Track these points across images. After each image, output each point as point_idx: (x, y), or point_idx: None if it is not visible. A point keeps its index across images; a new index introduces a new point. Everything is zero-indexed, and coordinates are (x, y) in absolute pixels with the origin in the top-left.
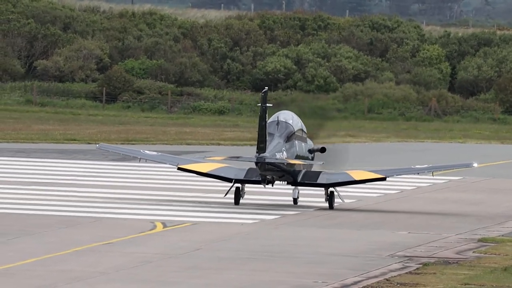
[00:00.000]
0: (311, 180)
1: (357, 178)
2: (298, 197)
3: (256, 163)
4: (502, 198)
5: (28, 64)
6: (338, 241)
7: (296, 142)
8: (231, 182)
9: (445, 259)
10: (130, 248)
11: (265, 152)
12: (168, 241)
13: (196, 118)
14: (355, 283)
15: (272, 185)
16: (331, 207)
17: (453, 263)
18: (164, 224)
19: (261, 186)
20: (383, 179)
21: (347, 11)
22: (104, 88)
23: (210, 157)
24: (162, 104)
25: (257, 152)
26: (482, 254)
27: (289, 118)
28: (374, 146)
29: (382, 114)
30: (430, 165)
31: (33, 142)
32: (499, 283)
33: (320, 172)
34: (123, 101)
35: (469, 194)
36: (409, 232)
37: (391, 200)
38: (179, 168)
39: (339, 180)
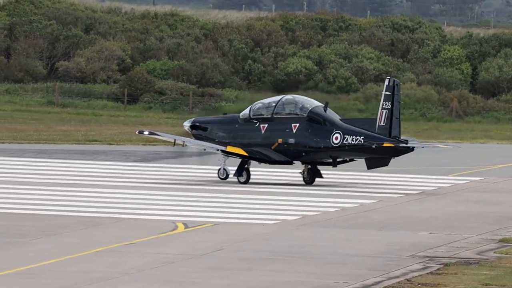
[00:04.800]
0: None
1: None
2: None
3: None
4: None
5: (50, 65)
6: (358, 242)
7: None
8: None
9: (466, 259)
10: (152, 248)
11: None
12: (190, 241)
13: None
14: (376, 283)
15: None
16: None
17: (474, 263)
18: (186, 225)
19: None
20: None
21: (368, 11)
22: (126, 89)
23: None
24: (184, 105)
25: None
26: (503, 255)
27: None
28: None
29: (403, 115)
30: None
31: (54, 143)
32: None
33: None
34: (144, 102)
35: (489, 195)
36: (430, 233)
37: (412, 201)
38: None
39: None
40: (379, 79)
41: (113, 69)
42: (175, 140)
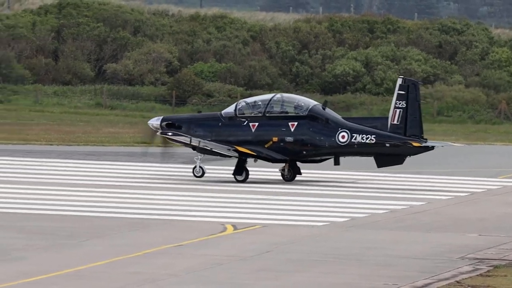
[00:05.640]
0: None
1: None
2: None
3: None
4: None
5: (98, 68)
6: (407, 244)
7: None
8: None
9: None
10: (201, 250)
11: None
12: (239, 243)
13: None
14: (426, 285)
15: None
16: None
17: None
18: (235, 227)
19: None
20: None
21: (416, 14)
22: (174, 91)
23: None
24: None
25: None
26: None
27: None
28: (444, 149)
29: (451, 117)
30: None
31: (103, 145)
32: None
33: None
34: (192, 104)
35: None
36: (479, 235)
37: (461, 203)
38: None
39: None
40: (427, 81)
41: (160, 71)
42: (191, 139)
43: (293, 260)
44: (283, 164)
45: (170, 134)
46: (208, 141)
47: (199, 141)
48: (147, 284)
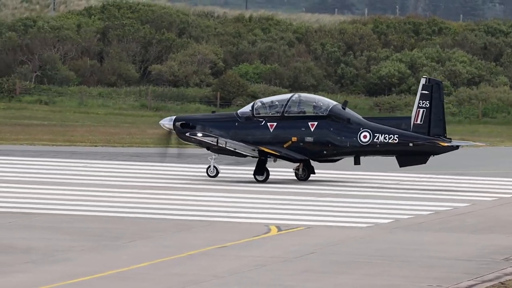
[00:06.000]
0: None
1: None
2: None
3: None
4: None
5: (143, 69)
6: (451, 245)
7: None
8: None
9: None
10: (245, 251)
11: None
12: (283, 244)
13: None
14: (470, 286)
15: None
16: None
17: None
18: (279, 228)
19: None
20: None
21: (461, 15)
22: (218, 93)
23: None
24: None
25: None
26: None
27: None
28: (489, 150)
29: (496, 118)
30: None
31: (148, 147)
32: None
33: None
34: (237, 105)
35: None
36: None
37: (505, 204)
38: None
39: None
40: (472, 83)
41: (205, 73)
42: (217, 139)
43: (337, 262)
44: (297, 164)
45: (200, 135)
46: (234, 142)
47: (226, 142)
48: (191, 285)
